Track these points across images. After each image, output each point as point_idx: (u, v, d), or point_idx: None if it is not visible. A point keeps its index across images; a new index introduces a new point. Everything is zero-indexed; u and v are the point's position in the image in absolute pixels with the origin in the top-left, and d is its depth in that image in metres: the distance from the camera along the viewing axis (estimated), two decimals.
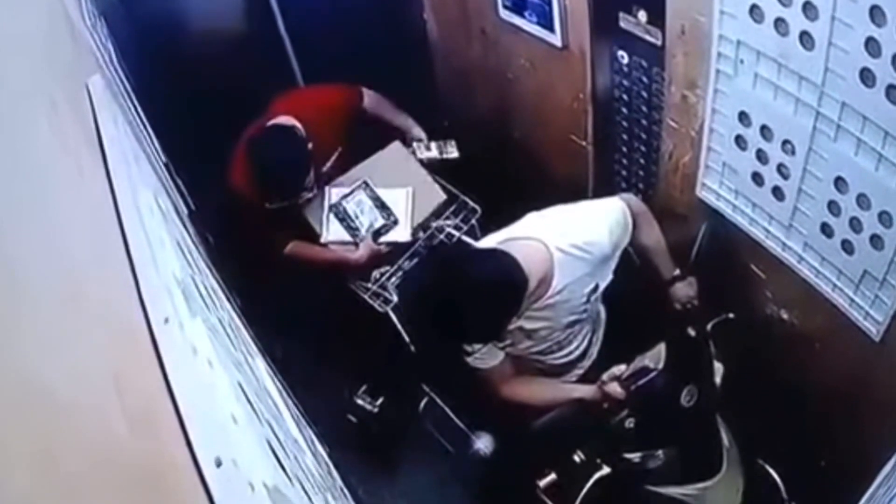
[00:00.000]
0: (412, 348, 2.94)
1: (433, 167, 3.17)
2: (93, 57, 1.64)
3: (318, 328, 3.41)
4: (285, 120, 2.87)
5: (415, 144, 3.20)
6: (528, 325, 2.21)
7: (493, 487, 2.80)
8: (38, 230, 0.88)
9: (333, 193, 3.03)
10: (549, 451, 2.53)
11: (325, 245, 3.01)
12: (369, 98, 3.19)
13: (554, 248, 2.12)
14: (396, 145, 3.16)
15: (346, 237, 3.00)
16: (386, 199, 3.03)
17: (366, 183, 3.04)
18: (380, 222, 3.00)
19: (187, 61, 3.36)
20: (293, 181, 2.86)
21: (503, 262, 2.06)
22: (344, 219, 3.01)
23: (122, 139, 1.42)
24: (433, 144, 3.21)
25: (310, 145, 2.82)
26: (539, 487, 2.46)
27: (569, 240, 2.14)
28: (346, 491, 1.46)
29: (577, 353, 2.42)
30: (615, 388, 2.12)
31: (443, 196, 3.09)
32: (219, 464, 0.89)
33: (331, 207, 3.02)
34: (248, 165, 2.84)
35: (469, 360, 2.27)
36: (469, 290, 2.03)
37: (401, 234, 3.01)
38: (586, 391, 2.24)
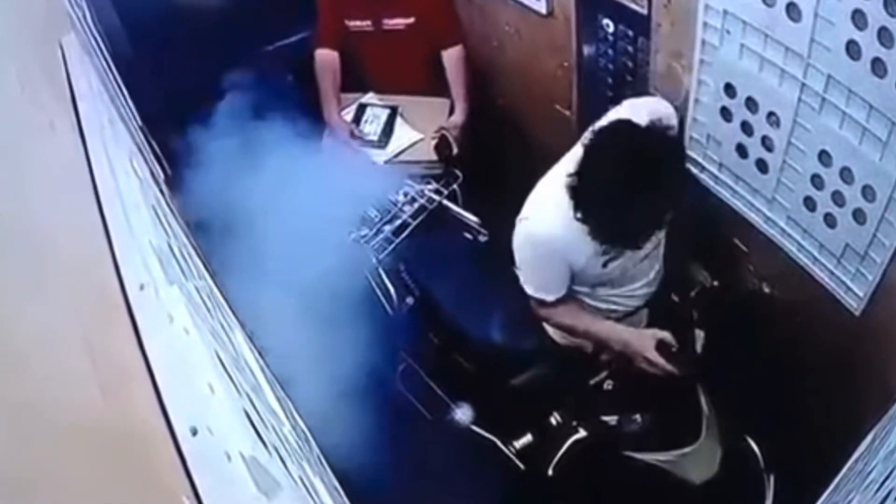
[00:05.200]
0: (390, 311, 2.94)
1: None
2: (67, 16, 1.60)
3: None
4: None
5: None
6: None
7: (470, 450, 2.80)
8: (5, 185, 0.86)
9: (370, 97, 3.42)
10: (525, 412, 2.54)
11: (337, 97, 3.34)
12: (454, 57, 3.33)
13: None
14: (443, 102, 3.36)
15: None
16: (397, 129, 3.30)
17: (395, 108, 3.35)
18: (373, 138, 3.25)
19: (164, 23, 3.31)
20: None
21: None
22: (358, 115, 3.35)
23: (95, 100, 1.39)
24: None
25: None
26: (515, 449, 2.48)
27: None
28: (323, 461, 1.46)
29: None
30: None
31: (433, 158, 3.17)
32: (194, 432, 0.88)
33: (359, 104, 3.39)
34: None
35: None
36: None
37: (378, 156, 3.22)
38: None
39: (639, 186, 1.87)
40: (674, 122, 2.24)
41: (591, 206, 1.96)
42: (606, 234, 2.02)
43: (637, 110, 2.16)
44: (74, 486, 0.70)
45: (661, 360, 2.15)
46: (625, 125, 2.01)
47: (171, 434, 0.88)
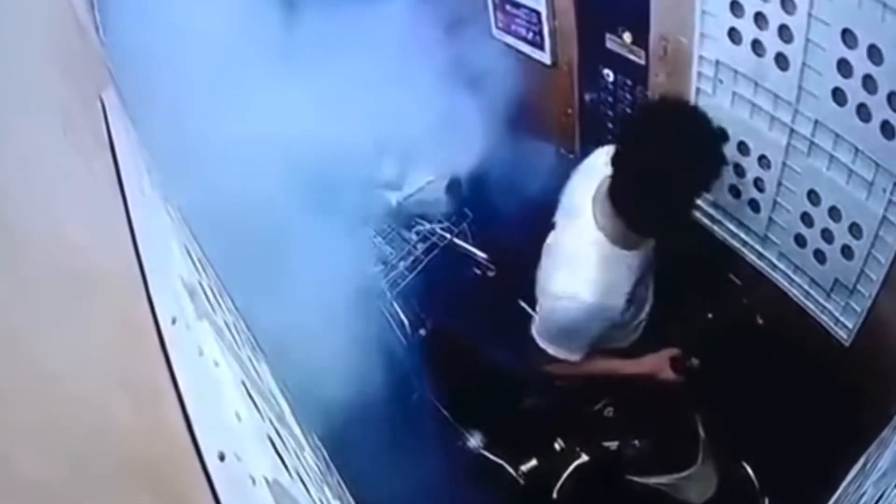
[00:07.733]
0: (404, 342, 3.02)
1: None
2: (106, 70, 1.68)
3: None
4: None
5: None
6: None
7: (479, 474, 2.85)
8: (44, 220, 0.90)
9: None
10: (531, 438, 2.62)
11: None
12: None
13: None
14: (454, 145, 3.28)
15: None
16: (410, 171, 3.26)
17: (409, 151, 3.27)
18: (389, 179, 3.23)
19: None
20: None
21: None
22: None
23: (133, 149, 1.46)
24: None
25: None
26: (521, 473, 2.54)
27: None
28: (342, 485, 1.50)
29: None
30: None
31: (441, 199, 3.20)
32: (222, 458, 0.91)
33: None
34: None
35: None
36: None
37: (392, 196, 3.22)
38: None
39: (677, 154, 1.85)
40: None
41: (631, 187, 1.97)
42: (646, 216, 2.02)
43: None
44: None
45: (674, 376, 2.24)
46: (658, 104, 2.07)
47: (200, 459, 0.92)
